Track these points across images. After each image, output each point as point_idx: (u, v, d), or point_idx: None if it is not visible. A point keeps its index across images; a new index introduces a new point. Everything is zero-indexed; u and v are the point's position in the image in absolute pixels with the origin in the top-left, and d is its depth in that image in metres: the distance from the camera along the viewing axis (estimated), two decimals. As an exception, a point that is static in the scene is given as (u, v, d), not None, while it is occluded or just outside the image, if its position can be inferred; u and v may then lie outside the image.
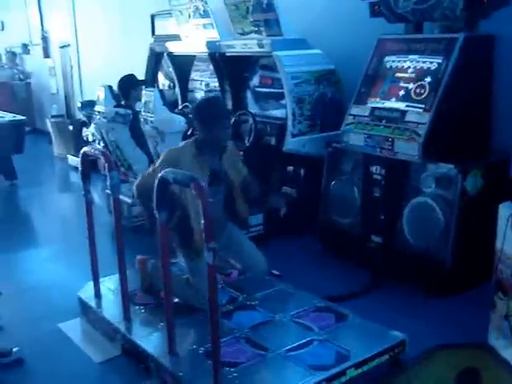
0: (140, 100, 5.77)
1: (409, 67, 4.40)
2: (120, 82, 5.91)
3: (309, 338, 3.32)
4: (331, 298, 3.92)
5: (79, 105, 9.06)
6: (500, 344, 3.29)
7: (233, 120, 5.79)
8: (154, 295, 3.88)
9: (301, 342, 3.28)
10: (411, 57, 4.40)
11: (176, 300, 3.57)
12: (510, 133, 3.25)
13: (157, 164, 3.65)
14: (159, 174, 3.03)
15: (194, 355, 3.23)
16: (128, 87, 5.84)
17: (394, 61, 4.53)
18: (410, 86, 4.33)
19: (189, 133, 5.53)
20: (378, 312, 3.76)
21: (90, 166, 3.84)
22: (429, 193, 4.10)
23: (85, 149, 3.80)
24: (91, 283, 4.02)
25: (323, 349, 3.21)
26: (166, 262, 3.16)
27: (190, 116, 5.14)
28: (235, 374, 2.99)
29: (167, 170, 3.07)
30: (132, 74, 6.00)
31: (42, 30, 12.09)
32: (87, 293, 4.04)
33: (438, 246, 4.05)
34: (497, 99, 4.35)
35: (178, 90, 7.06)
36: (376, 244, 4.45)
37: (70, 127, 9.39)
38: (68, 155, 9.26)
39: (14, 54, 13.05)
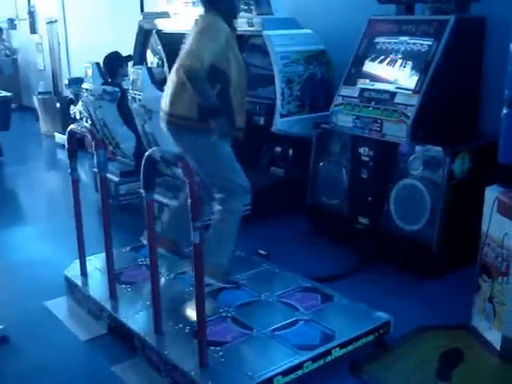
0: (126, 77, 5.71)
1: (399, 49, 4.37)
2: (105, 59, 5.84)
3: (294, 318, 3.33)
4: (317, 278, 3.93)
5: (66, 82, 8.95)
6: (483, 325, 3.33)
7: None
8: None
9: (286, 322, 3.29)
10: (402, 38, 4.37)
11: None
12: (499, 116, 3.24)
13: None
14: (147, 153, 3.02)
15: (179, 334, 3.23)
16: (113, 65, 5.79)
17: (384, 42, 4.50)
18: (400, 67, 4.32)
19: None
20: (364, 293, 3.78)
21: (77, 144, 3.79)
22: (416, 175, 4.11)
23: (71, 126, 3.75)
24: (78, 261, 4.00)
25: (309, 329, 3.23)
26: (153, 241, 3.15)
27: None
28: (221, 353, 2.99)
29: (154, 148, 3.06)
30: (117, 51, 5.93)
31: (29, 4, 11.88)
32: (74, 271, 4.03)
33: (424, 228, 4.06)
34: (486, 82, 4.34)
35: (166, 67, 6.99)
36: (363, 225, 4.47)
37: (58, 104, 9.31)
38: (55, 133, 9.19)
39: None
